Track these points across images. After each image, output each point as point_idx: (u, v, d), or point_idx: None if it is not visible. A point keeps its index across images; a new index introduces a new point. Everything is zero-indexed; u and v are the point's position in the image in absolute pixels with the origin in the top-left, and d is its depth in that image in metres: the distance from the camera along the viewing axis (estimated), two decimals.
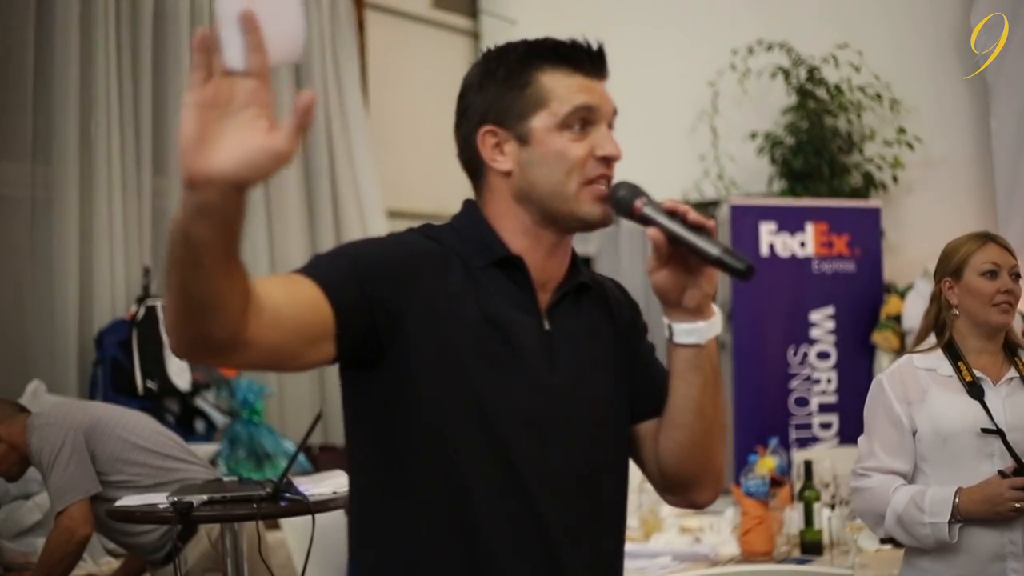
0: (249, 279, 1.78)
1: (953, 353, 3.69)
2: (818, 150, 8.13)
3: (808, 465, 5.00)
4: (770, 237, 7.48)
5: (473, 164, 2.26)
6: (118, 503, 4.26)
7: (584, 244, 8.98)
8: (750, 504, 4.91)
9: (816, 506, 4.89)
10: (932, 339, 3.76)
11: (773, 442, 5.77)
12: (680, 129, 8.75)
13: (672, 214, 2.12)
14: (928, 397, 3.64)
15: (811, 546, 4.88)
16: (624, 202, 2.16)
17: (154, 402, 6.57)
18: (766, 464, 5.41)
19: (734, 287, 7.46)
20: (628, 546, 5.10)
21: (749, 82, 8.39)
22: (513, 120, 2.20)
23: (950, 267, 3.74)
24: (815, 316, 7.49)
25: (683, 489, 2.33)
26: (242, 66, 1.57)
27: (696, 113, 8.61)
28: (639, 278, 9.09)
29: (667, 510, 5.50)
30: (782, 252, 7.48)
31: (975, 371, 3.65)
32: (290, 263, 7.23)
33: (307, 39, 1.64)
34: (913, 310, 7.14)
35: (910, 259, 7.79)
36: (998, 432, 3.56)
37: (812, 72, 8.26)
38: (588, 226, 2.21)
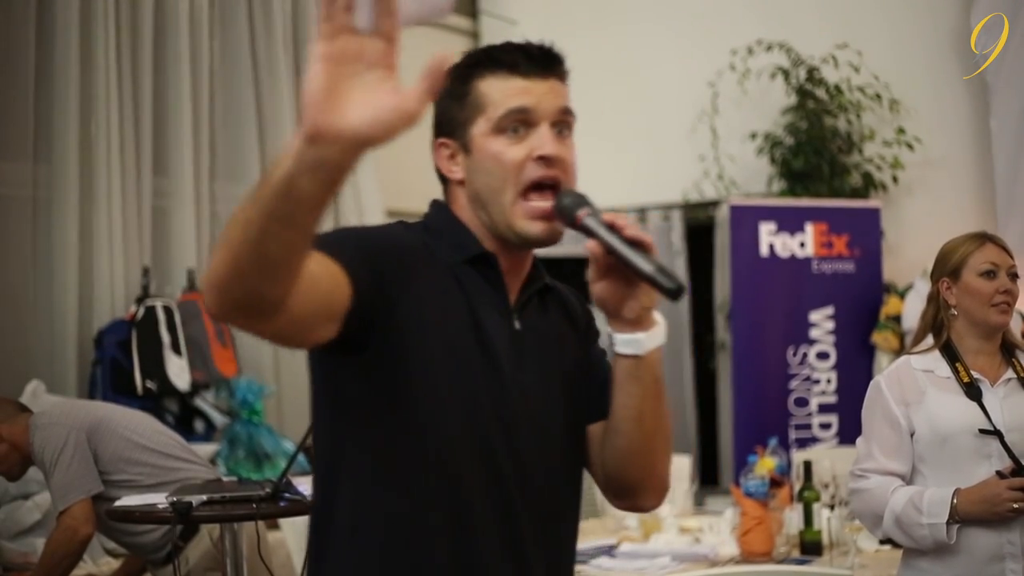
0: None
1: (951, 354, 3.70)
2: (818, 150, 8.13)
3: (808, 465, 5.00)
4: (770, 237, 7.48)
5: (439, 175, 2.29)
6: (118, 503, 4.26)
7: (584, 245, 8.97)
8: (749, 504, 4.92)
9: (815, 506, 4.89)
10: (930, 340, 3.76)
11: (772, 442, 5.77)
12: (680, 129, 8.75)
13: (611, 227, 2.10)
14: (926, 398, 3.64)
15: (810, 546, 4.89)
16: (568, 211, 2.14)
17: (153, 402, 6.58)
18: (765, 464, 5.41)
19: (734, 287, 7.46)
20: (628, 547, 5.13)
21: (749, 82, 8.39)
22: (459, 130, 2.22)
23: (948, 267, 3.74)
24: (815, 316, 7.49)
25: (627, 494, 2.35)
26: (371, 27, 1.54)
27: (696, 113, 8.61)
28: None
29: (666, 510, 5.50)
30: (782, 252, 7.48)
31: (973, 372, 3.66)
32: None
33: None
34: (912, 310, 7.14)
35: (910, 259, 7.79)
36: (996, 433, 3.57)
37: (812, 72, 8.26)
38: (528, 243, 2.21)
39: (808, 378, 7.43)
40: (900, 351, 6.95)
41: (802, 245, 7.51)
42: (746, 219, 7.50)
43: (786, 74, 8.30)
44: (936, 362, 3.70)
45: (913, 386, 3.66)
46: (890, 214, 8.01)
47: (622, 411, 2.23)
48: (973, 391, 3.62)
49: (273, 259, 1.68)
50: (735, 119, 8.50)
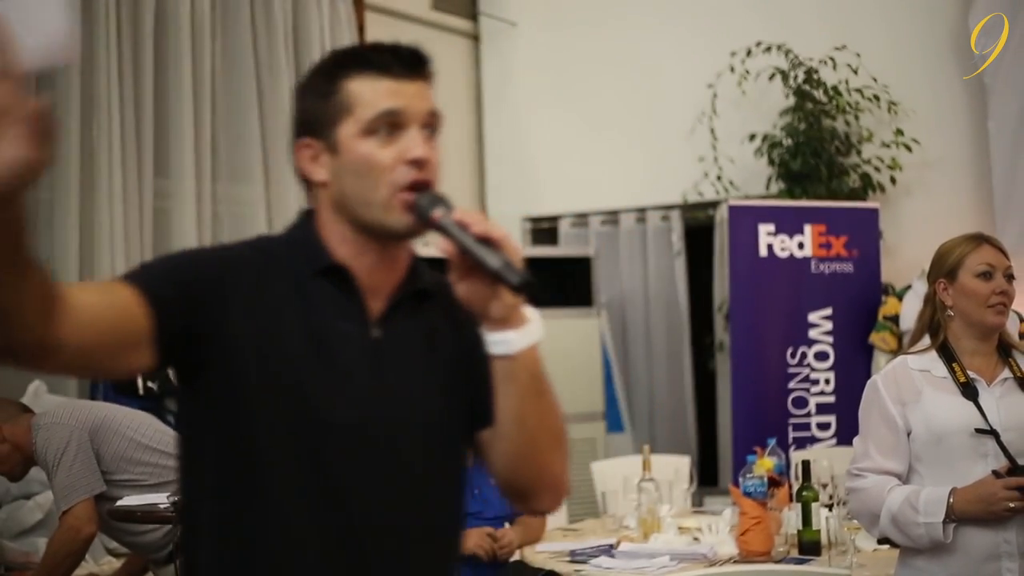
0: (51, 282, 1.75)
1: (947, 354, 3.72)
2: (816, 151, 8.14)
3: (806, 465, 5.02)
4: (768, 238, 7.50)
5: (301, 176, 2.24)
6: (120, 503, 4.29)
7: (584, 246, 9.01)
8: (748, 504, 4.93)
9: (814, 506, 4.91)
10: (927, 340, 3.78)
11: (771, 443, 5.79)
12: (679, 131, 8.77)
13: (461, 226, 2.08)
14: (922, 398, 3.66)
15: (809, 546, 4.90)
16: (423, 211, 2.13)
17: (155, 402, 6.59)
18: (764, 464, 5.43)
19: (733, 288, 7.48)
20: (627, 546, 5.14)
21: (748, 84, 8.40)
22: (323, 129, 2.18)
23: (944, 268, 3.76)
24: (813, 317, 7.50)
25: (523, 497, 2.31)
26: None
27: (695, 115, 8.63)
28: (638, 280, 9.13)
29: (665, 510, 5.52)
30: (780, 253, 7.50)
31: (969, 372, 3.68)
32: None
33: (71, 39, 1.55)
34: (911, 311, 7.14)
35: (908, 260, 7.80)
36: (992, 432, 3.59)
37: (810, 74, 8.27)
38: (394, 235, 2.18)
39: (807, 378, 7.44)
40: (898, 351, 6.94)
41: (800, 246, 7.53)
42: (745, 220, 7.51)
43: (784, 76, 8.31)
44: (933, 362, 3.72)
45: (910, 386, 3.68)
46: (888, 215, 8.02)
47: (503, 413, 2.19)
48: (969, 391, 3.65)
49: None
50: (734, 120, 8.51)
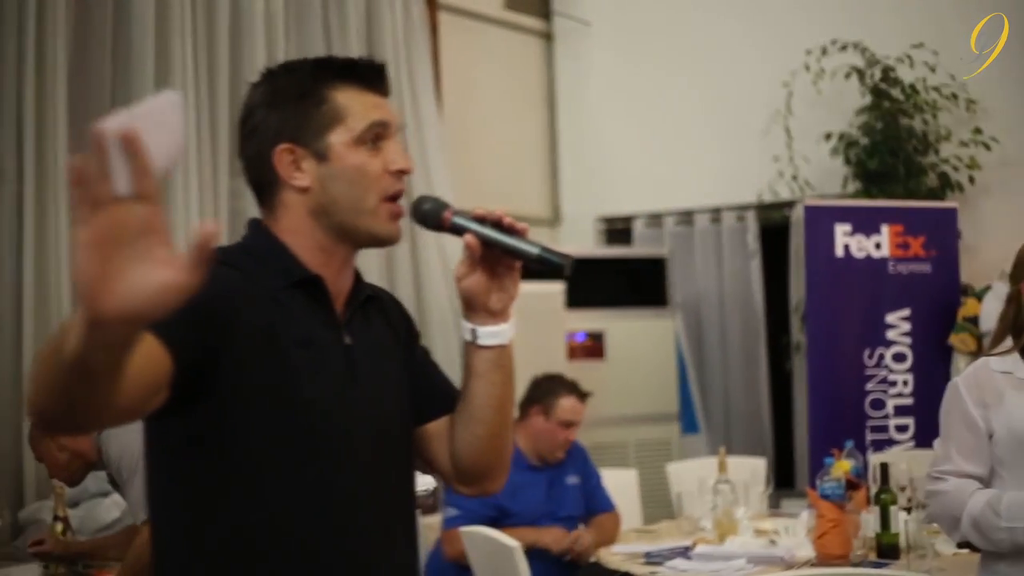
0: None
1: None
2: (893, 151, 8.07)
3: (884, 468, 4.96)
4: (845, 238, 7.42)
5: (263, 182, 2.29)
6: None
7: (658, 246, 8.97)
8: (826, 507, 4.89)
9: (892, 509, 4.86)
10: (1009, 342, 3.72)
11: (849, 445, 5.74)
12: (754, 130, 8.72)
13: (483, 220, 2.23)
14: (1005, 400, 3.60)
15: (887, 549, 4.85)
16: (432, 214, 2.26)
17: None
18: (842, 467, 5.38)
19: (809, 289, 7.41)
20: (704, 548, 5.13)
21: (823, 82, 8.34)
22: (310, 136, 2.24)
23: None
24: (891, 318, 7.42)
25: (479, 479, 2.43)
26: (130, 192, 1.44)
27: (770, 114, 8.57)
28: (712, 281, 9.09)
29: (741, 512, 5.49)
30: (857, 253, 7.42)
31: None
32: (365, 264, 7.24)
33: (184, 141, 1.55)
34: (990, 312, 7.06)
35: (987, 260, 7.71)
36: None
37: (887, 72, 8.20)
38: (380, 242, 2.30)
39: (884, 380, 7.36)
40: (977, 353, 6.89)
41: (878, 246, 7.45)
42: (821, 220, 7.45)
43: (861, 74, 8.24)
44: (1016, 364, 3.66)
45: (992, 388, 3.62)
46: (967, 215, 7.93)
47: (485, 400, 2.33)
48: None
49: (86, 406, 1.67)
50: (809, 119, 8.45)
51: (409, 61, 8.17)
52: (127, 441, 4.61)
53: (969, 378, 3.69)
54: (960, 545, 4.29)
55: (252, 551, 2.17)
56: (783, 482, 8.44)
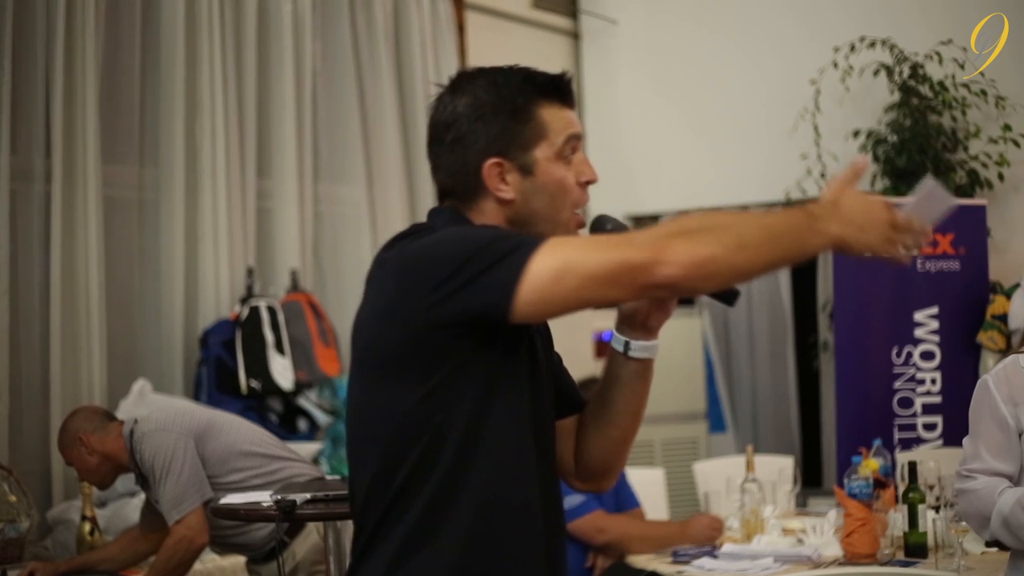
0: None
1: None
2: (922, 148, 8.04)
3: (912, 466, 4.94)
4: None
5: (465, 189, 2.40)
6: (222, 501, 4.30)
7: None
8: (853, 506, 4.88)
9: (920, 508, 4.84)
10: None
11: (877, 443, 5.72)
12: (782, 128, 8.68)
13: None
14: None
15: (915, 548, 4.83)
16: (614, 234, 2.44)
17: (257, 401, 6.65)
18: (870, 465, 5.36)
19: (837, 287, 7.39)
20: (730, 547, 5.13)
21: (851, 80, 8.31)
22: (517, 151, 2.36)
23: None
24: (919, 316, 7.39)
25: (598, 477, 2.62)
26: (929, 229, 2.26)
27: (798, 111, 8.54)
28: None
29: (769, 511, 5.47)
30: None
31: None
32: None
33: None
34: (1020, 310, 7.03)
35: (1016, 258, 7.68)
36: None
37: (915, 69, 8.17)
38: None
39: (912, 378, 7.33)
40: (1007, 351, 6.86)
41: None
42: None
43: (889, 71, 8.21)
44: None
45: (1022, 385, 3.61)
46: (996, 212, 7.89)
47: (624, 406, 2.53)
48: None
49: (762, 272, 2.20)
50: (838, 117, 8.42)
51: (436, 60, 8.19)
52: (160, 441, 4.62)
53: (999, 376, 3.68)
54: (989, 544, 4.27)
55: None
56: (811, 481, 8.42)
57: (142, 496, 5.47)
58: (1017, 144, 7.94)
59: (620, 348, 2.51)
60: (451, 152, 2.39)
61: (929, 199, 2.26)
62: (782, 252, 2.18)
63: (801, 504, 6.45)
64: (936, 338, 7.36)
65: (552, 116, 2.39)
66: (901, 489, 5.07)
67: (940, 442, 7.22)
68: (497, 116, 2.37)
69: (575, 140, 2.41)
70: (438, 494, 2.25)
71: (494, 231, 2.27)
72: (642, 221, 9.50)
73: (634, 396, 2.53)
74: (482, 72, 2.44)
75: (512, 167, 2.36)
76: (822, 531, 5.15)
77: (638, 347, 2.50)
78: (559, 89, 2.42)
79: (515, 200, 2.37)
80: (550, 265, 2.16)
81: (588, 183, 2.43)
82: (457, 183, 2.40)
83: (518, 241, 2.20)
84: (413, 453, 2.26)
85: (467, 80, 2.43)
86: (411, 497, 2.26)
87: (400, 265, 2.28)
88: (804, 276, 8.90)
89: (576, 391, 2.62)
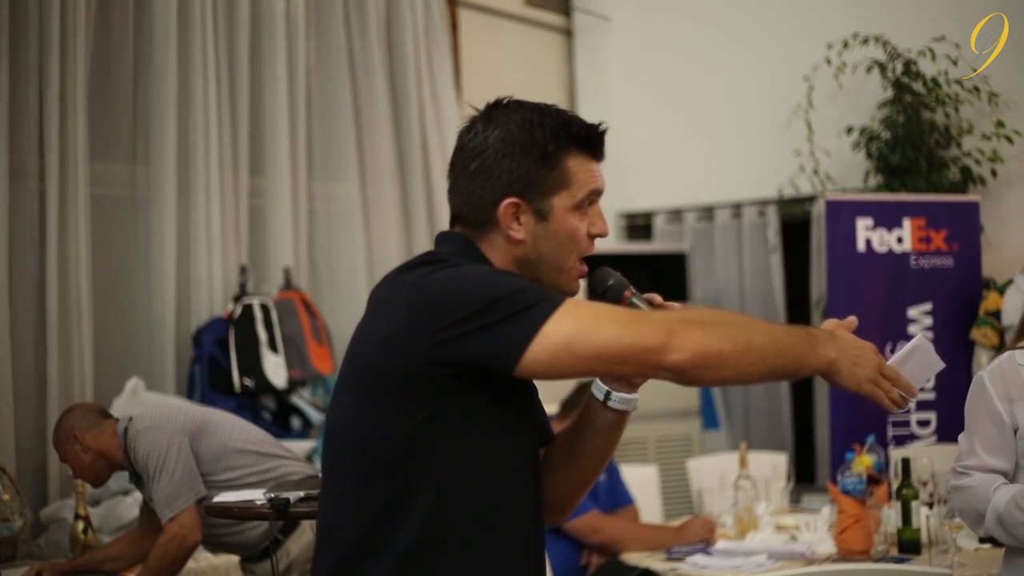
0: None
1: None
2: (915, 144, 8.04)
3: (906, 463, 4.95)
4: (867, 232, 7.41)
5: (481, 219, 2.41)
6: (216, 499, 4.29)
7: (679, 242, 8.96)
8: (847, 502, 4.88)
9: (914, 504, 4.84)
10: None
11: (870, 440, 5.71)
12: (775, 124, 8.69)
13: (651, 303, 2.45)
14: None
15: (909, 545, 4.84)
16: (615, 290, 2.48)
17: (251, 399, 6.64)
18: (863, 462, 5.35)
19: (830, 283, 7.40)
20: (724, 544, 5.13)
21: (844, 76, 8.31)
22: (536, 195, 2.38)
23: None
24: (912, 312, 7.40)
25: (552, 512, 2.61)
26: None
27: (791, 108, 8.54)
28: (733, 276, 9.07)
29: (762, 508, 5.47)
30: (879, 247, 7.40)
31: None
32: (387, 264, 7.26)
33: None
34: (1012, 306, 7.04)
35: (1009, 254, 7.69)
36: None
37: (908, 66, 8.17)
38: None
39: None
40: (1000, 347, 6.86)
41: (899, 240, 7.43)
42: (842, 214, 7.43)
43: (882, 68, 8.22)
44: None
45: (1017, 382, 3.61)
46: (989, 208, 7.90)
47: (592, 451, 2.55)
48: None
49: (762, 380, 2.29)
50: (831, 113, 8.43)
51: (429, 58, 8.18)
52: (154, 438, 4.61)
53: (995, 372, 3.67)
54: (983, 540, 4.27)
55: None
56: (804, 477, 8.41)
57: (136, 495, 5.46)
58: (1010, 140, 7.95)
59: (600, 396, 2.51)
60: (472, 180, 2.40)
61: (917, 357, 2.44)
62: (784, 363, 2.28)
63: (795, 501, 6.46)
64: (930, 335, 7.36)
65: (579, 167, 2.42)
66: (895, 485, 5.08)
67: (933, 438, 7.24)
68: (526, 157, 2.38)
69: (596, 195, 2.44)
70: (425, 528, 2.28)
71: (518, 282, 2.28)
72: (635, 218, 9.51)
73: (605, 444, 2.55)
74: (520, 107, 2.44)
75: (528, 209, 2.38)
76: (816, 528, 5.16)
77: (618, 399, 2.50)
78: (591, 142, 2.45)
79: (525, 241, 2.39)
80: (565, 330, 2.18)
81: (598, 236, 2.45)
82: (472, 212, 2.41)
83: (539, 297, 2.22)
84: (395, 482, 2.28)
85: (504, 112, 2.42)
86: (392, 528, 2.29)
87: (417, 293, 2.27)
88: (797, 272, 8.89)
89: (547, 424, 2.62)
